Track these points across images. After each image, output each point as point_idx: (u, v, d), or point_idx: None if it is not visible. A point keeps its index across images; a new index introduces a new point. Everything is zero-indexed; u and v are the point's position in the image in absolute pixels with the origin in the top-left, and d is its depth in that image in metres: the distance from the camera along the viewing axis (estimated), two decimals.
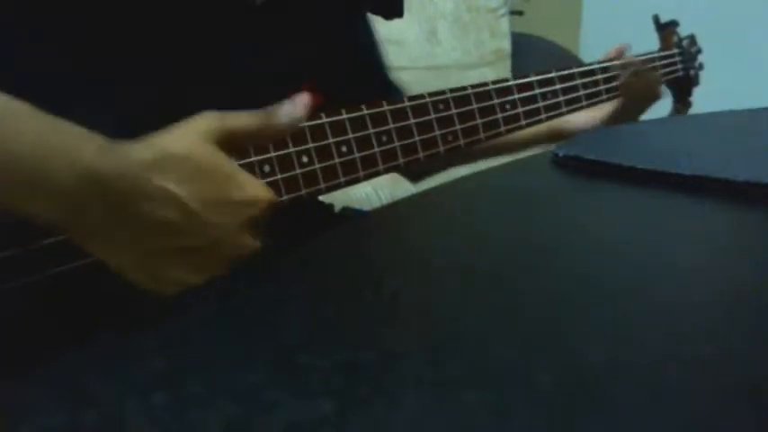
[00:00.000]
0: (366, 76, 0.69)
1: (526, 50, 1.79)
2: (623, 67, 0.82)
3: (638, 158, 0.49)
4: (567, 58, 1.66)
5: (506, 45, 1.81)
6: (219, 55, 0.52)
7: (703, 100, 0.96)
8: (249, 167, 0.47)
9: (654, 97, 0.84)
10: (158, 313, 0.33)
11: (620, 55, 0.84)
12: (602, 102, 0.80)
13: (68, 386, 0.24)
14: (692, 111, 0.80)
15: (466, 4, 1.76)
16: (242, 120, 0.44)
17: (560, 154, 0.54)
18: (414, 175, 0.94)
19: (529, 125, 0.69)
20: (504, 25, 1.83)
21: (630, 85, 0.81)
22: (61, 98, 0.44)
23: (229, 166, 0.41)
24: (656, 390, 0.22)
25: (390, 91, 0.73)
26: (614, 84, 0.81)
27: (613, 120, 0.83)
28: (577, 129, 0.83)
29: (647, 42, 0.94)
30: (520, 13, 2.24)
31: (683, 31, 0.98)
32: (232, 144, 0.42)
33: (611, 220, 0.43)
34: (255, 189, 0.41)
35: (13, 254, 0.40)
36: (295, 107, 0.46)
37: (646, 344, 0.25)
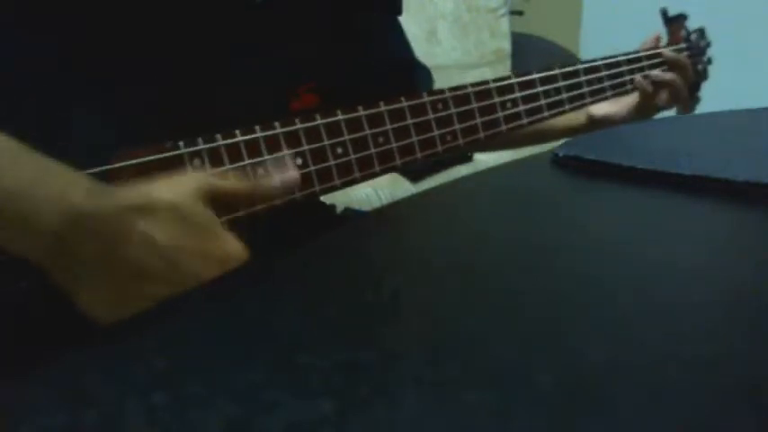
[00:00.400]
0: (359, 76, 0.69)
1: (526, 50, 1.80)
2: (670, 63, 0.82)
3: (638, 158, 0.49)
4: (567, 58, 1.66)
5: (506, 45, 1.82)
6: (219, 54, 0.52)
7: (703, 100, 0.96)
8: (242, 170, 0.47)
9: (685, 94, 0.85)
10: (158, 313, 0.33)
11: (656, 44, 0.84)
12: (606, 98, 0.79)
13: (68, 386, 0.24)
14: None
15: (466, 4, 1.76)
16: (232, 183, 0.45)
17: (560, 154, 0.54)
18: (414, 174, 0.93)
19: (531, 123, 0.69)
20: (504, 25, 1.83)
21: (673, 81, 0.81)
22: (61, 98, 0.44)
23: (212, 221, 0.42)
24: (656, 390, 0.22)
25: (415, 77, 0.73)
26: (619, 80, 0.80)
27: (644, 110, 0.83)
28: (609, 117, 0.83)
29: None
30: (520, 13, 2.24)
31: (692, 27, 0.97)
32: (220, 202, 0.43)
33: (611, 220, 0.43)
34: (234, 247, 0.42)
35: (11, 258, 0.40)
36: (286, 178, 0.47)
37: (646, 344, 0.25)
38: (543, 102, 0.70)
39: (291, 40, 0.57)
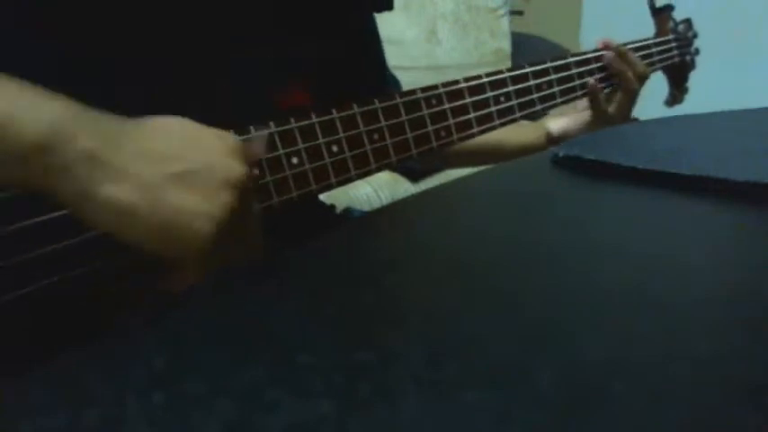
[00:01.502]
0: (366, 73, 0.69)
1: (526, 50, 1.80)
2: (619, 59, 0.81)
3: (638, 158, 0.49)
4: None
5: (506, 45, 1.82)
6: (219, 54, 0.52)
7: (703, 100, 0.96)
8: None
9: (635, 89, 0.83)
10: (158, 313, 0.33)
11: (608, 48, 0.83)
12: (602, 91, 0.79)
13: (68, 386, 0.24)
14: (692, 110, 0.80)
15: (466, 4, 1.76)
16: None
17: (560, 154, 0.54)
18: (414, 174, 0.93)
19: (524, 117, 0.68)
20: (504, 25, 1.83)
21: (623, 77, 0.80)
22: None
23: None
24: (656, 390, 0.22)
25: (387, 86, 0.73)
26: (606, 73, 0.80)
27: (598, 120, 0.82)
28: (568, 132, 0.82)
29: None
30: (520, 13, 2.24)
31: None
32: None
33: (611, 220, 0.43)
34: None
35: (12, 264, 0.40)
36: (254, 145, 0.47)
37: (645, 343, 0.25)
38: (536, 95, 0.70)
39: (282, 38, 0.57)
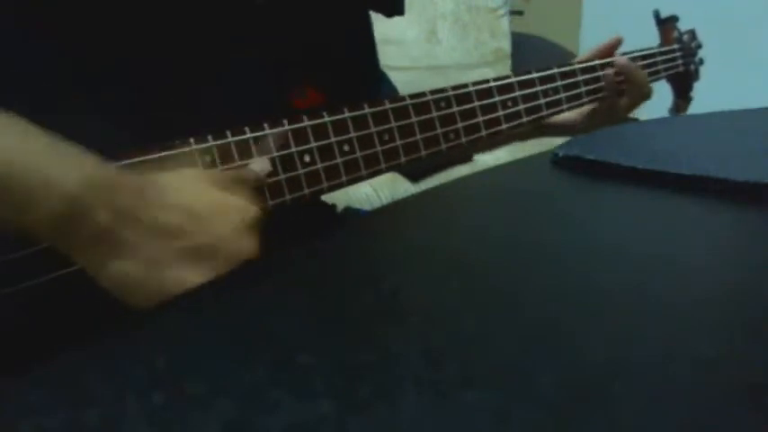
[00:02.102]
0: (363, 74, 0.69)
1: (526, 50, 1.80)
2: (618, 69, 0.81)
3: (638, 158, 0.49)
4: (567, 59, 1.66)
5: (506, 45, 1.82)
6: (222, 53, 0.52)
7: (703, 100, 0.96)
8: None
9: (639, 99, 0.84)
10: (158, 313, 0.33)
11: (612, 50, 0.83)
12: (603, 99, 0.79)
13: (68, 386, 0.24)
14: (692, 110, 0.80)
15: (466, 4, 1.76)
16: (225, 173, 0.46)
17: (560, 154, 0.54)
18: (414, 174, 0.93)
19: (530, 122, 0.69)
20: (504, 25, 1.83)
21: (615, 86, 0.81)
22: (60, 99, 0.44)
23: (217, 181, 0.43)
24: (656, 390, 0.22)
25: (381, 89, 0.73)
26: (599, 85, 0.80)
27: (597, 118, 0.82)
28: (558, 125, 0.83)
29: (646, 42, 0.94)
30: (520, 13, 2.24)
31: (684, 28, 0.98)
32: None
33: (611, 220, 0.43)
34: (247, 197, 0.43)
35: (13, 258, 0.40)
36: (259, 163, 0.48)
37: (646, 344, 0.25)
38: (542, 101, 0.71)
39: (293, 39, 0.57)
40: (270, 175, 0.48)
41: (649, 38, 0.97)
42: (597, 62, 0.80)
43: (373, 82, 0.72)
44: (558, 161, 0.54)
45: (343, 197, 0.77)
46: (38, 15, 0.45)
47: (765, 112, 0.74)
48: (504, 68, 1.78)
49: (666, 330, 0.27)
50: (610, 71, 0.80)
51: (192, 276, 0.39)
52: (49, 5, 0.45)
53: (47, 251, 0.41)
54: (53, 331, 0.42)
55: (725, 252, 0.37)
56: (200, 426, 0.21)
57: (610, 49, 0.83)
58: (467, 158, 1.38)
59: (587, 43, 2.36)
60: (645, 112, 0.88)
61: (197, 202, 0.40)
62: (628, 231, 0.40)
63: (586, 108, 0.82)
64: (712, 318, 0.28)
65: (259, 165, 0.48)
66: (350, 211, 0.79)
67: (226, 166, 0.47)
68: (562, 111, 0.74)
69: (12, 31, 0.45)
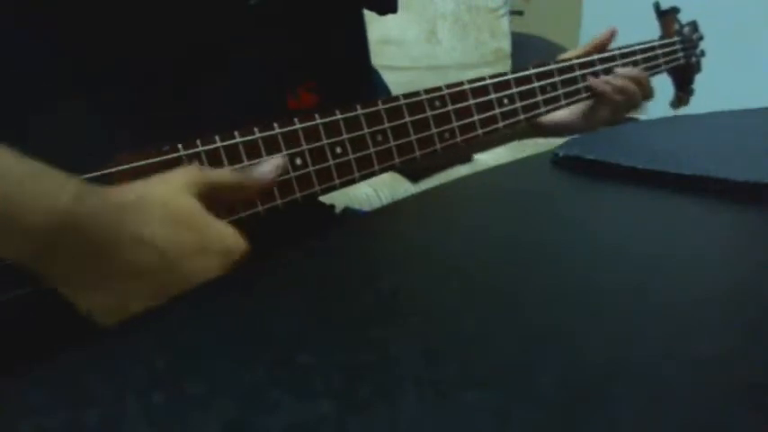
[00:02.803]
0: (357, 74, 0.69)
1: (526, 50, 1.80)
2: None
3: (638, 158, 0.49)
4: None
5: (506, 45, 1.82)
6: (216, 54, 0.52)
7: (703, 100, 0.96)
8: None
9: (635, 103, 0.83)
10: (158, 313, 0.33)
11: (607, 43, 0.82)
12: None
13: (68, 386, 0.24)
14: (692, 111, 0.80)
15: (466, 4, 1.76)
16: (224, 175, 0.45)
17: (560, 154, 0.54)
18: (414, 174, 0.93)
19: (527, 119, 0.68)
20: (504, 25, 1.83)
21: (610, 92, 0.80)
22: (60, 99, 0.44)
23: (206, 216, 0.41)
24: (656, 390, 0.22)
25: (374, 89, 0.73)
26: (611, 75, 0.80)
27: (594, 117, 0.81)
28: (553, 124, 0.82)
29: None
30: (520, 13, 2.25)
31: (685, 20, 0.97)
32: (213, 198, 0.42)
33: (611, 220, 0.43)
34: (232, 238, 0.42)
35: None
36: (273, 166, 0.47)
37: (646, 344, 0.25)
38: (540, 98, 0.70)
39: (289, 40, 0.57)
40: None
41: (649, 37, 0.97)
42: (596, 57, 0.79)
43: (367, 81, 0.72)
44: (558, 161, 0.54)
45: (342, 198, 0.77)
46: (38, 15, 0.45)
47: (765, 112, 0.74)
48: (504, 68, 1.77)
49: (666, 330, 0.27)
50: (597, 75, 0.79)
51: (166, 293, 0.38)
52: (49, 5, 0.45)
53: None
54: (53, 331, 0.42)
55: (725, 252, 0.37)
56: (200, 426, 0.21)
57: (604, 44, 0.82)
58: (466, 159, 1.38)
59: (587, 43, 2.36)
60: (646, 106, 0.88)
61: (174, 240, 0.39)
62: (628, 231, 0.40)
63: (581, 107, 0.81)
64: (712, 318, 0.28)
65: (267, 166, 0.47)
66: (349, 212, 0.79)
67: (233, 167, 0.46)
68: (560, 107, 0.73)
69: (12, 31, 0.45)
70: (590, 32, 2.43)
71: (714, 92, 0.99)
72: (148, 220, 0.39)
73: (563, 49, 1.71)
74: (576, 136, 0.71)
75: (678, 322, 0.27)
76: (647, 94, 0.82)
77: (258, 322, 0.29)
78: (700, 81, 0.99)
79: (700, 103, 0.95)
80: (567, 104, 0.74)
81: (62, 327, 0.43)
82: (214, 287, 0.37)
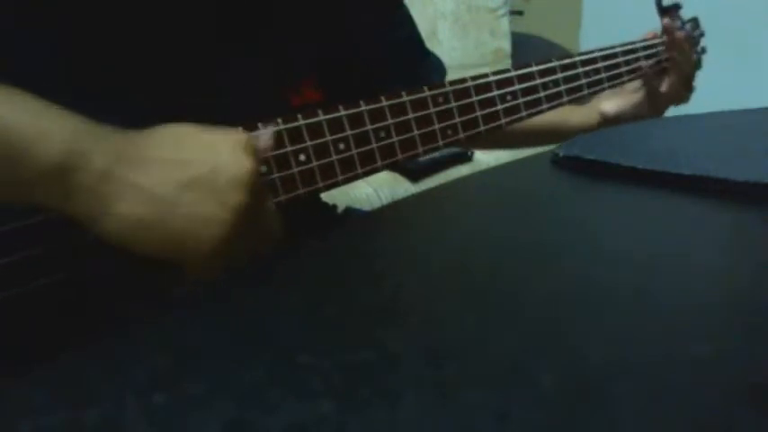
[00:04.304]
0: (360, 71, 0.69)
1: (526, 50, 1.80)
2: (670, 45, 0.82)
3: (638, 158, 0.49)
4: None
5: (506, 45, 1.82)
6: (219, 51, 0.52)
7: (703, 100, 0.95)
8: None
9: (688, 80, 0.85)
10: (158, 313, 0.33)
11: (655, 36, 0.84)
12: (603, 90, 0.79)
13: (68, 386, 0.24)
14: (692, 111, 0.80)
15: (466, 4, 1.76)
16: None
17: (560, 154, 0.54)
18: (414, 174, 0.93)
19: (530, 116, 0.68)
20: (504, 25, 1.83)
21: (677, 64, 0.81)
22: (60, 99, 0.44)
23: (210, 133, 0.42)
24: (656, 390, 0.22)
25: (418, 73, 0.73)
26: (615, 72, 0.80)
27: (646, 106, 0.83)
28: (622, 113, 0.84)
29: None
30: (520, 13, 2.24)
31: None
32: None
33: (611, 220, 0.43)
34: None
35: (15, 260, 0.40)
36: (261, 138, 0.47)
37: (646, 344, 0.25)
38: (542, 94, 0.70)
39: (292, 36, 0.57)
40: (264, 174, 0.47)
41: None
42: (598, 54, 0.79)
43: (404, 75, 0.71)
44: (558, 161, 0.54)
45: (343, 197, 0.77)
46: (38, 15, 0.45)
47: (765, 112, 0.74)
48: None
49: (666, 330, 0.27)
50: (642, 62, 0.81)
51: (201, 209, 0.38)
52: (49, 5, 0.45)
53: (49, 253, 0.41)
54: (53, 331, 0.42)
55: (724, 252, 0.37)
56: (200, 426, 0.21)
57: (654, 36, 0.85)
58: (466, 158, 1.38)
59: (587, 43, 2.36)
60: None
61: (188, 137, 0.40)
62: (628, 231, 0.40)
63: (635, 96, 0.83)
64: (712, 318, 0.28)
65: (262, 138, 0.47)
66: (350, 212, 0.79)
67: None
68: (563, 104, 0.73)
69: (12, 31, 0.45)
70: (590, 32, 2.43)
71: (714, 92, 0.99)
72: (163, 130, 0.40)
73: (563, 50, 1.71)
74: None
75: (678, 322, 0.27)
76: (688, 56, 0.84)
77: (258, 322, 0.29)
78: (700, 81, 0.98)
79: (700, 103, 0.95)
80: (569, 101, 0.74)
81: (62, 327, 0.43)
82: (214, 287, 0.37)
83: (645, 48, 0.85)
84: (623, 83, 0.80)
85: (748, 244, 0.38)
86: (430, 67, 0.76)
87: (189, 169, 0.38)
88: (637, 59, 0.83)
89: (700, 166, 0.47)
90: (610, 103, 0.85)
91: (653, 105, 0.84)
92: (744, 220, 0.42)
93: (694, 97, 0.99)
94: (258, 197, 0.40)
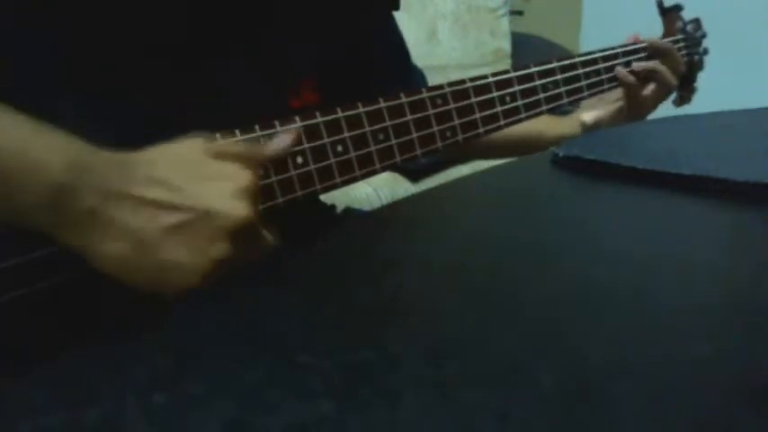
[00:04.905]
0: (358, 73, 0.69)
1: (526, 50, 1.80)
2: (653, 51, 0.82)
3: (638, 158, 0.49)
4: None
5: (506, 45, 1.82)
6: (218, 53, 0.52)
7: (704, 100, 0.95)
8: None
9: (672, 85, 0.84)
10: (158, 313, 0.33)
11: (637, 41, 0.84)
12: (603, 91, 0.79)
13: (68, 386, 0.24)
14: (692, 111, 0.80)
15: (466, 4, 1.76)
16: (229, 142, 0.45)
17: (560, 154, 0.54)
18: (414, 174, 0.93)
19: (528, 117, 0.68)
20: (504, 25, 1.83)
21: (659, 72, 0.81)
22: (60, 99, 0.44)
23: (212, 153, 0.41)
24: (656, 390, 0.22)
25: (409, 80, 0.73)
26: (596, 79, 0.80)
27: (626, 114, 0.83)
28: (600, 121, 0.84)
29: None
30: (520, 13, 2.24)
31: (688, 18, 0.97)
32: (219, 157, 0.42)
33: (611, 220, 0.43)
34: (239, 164, 0.42)
35: (13, 264, 0.40)
36: (281, 140, 0.47)
37: (646, 344, 0.25)
38: (542, 95, 0.70)
39: (292, 36, 0.57)
40: (262, 177, 0.47)
41: (651, 37, 0.97)
42: (599, 55, 0.79)
43: (398, 80, 0.71)
44: (558, 161, 0.54)
45: (343, 197, 0.77)
46: (38, 15, 0.45)
47: (765, 112, 0.74)
48: (505, 68, 1.78)
49: (666, 330, 0.27)
50: (621, 67, 0.80)
51: (186, 255, 0.38)
52: (49, 5, 0.45)
53: (48, 256, 0.41)
54: (54, 331, 0.42)
55: (724, 252, 0.37)
56: (200, 426, 0.21)
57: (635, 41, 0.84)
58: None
59: (587, 43, 2.36)
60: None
61: (184, 174, 0.40)
62: (628, 231, 0.40)
63: (617, 104, 0.83)
64: (712, 318, 0.28)
65: (273, 147, 0.47)
66: (350, 212, 0.79)
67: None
68: (562, 105, 0.73)
69: (12, 30, 0.45)
70: (590, 32, 2.43)
71: (714, 92, 0.99)
72: (158, 162, 0.40)
73: (563, 49, 1.71)
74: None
75: (678, 322, 0.27)
76: (677, 65, 0.83)
77: (258, 322, 0.29)
78: (700, 81, 0.99)
79: (700, 103, 0.95)
80: (569, 103, 0.74)
81: (62, 326, 0.43)
82: (214, 287, 0.37)
83: (625, 54, 0.84)
84: (603, 91, 0.80)
85: (748, 244, 0.38)
86: (417, 75, 0.76)
87: (176, 214, 0.38)
88: (638, 60, 0.83)
89: (700, 166, 0.47)
90: (589, 114, 0.85)
91: (634, 113, 0.83)
92: (744, 220, 0.42)
93: (694, 97, 0.99)
94: (246, 238, 0.41)
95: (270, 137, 0.48)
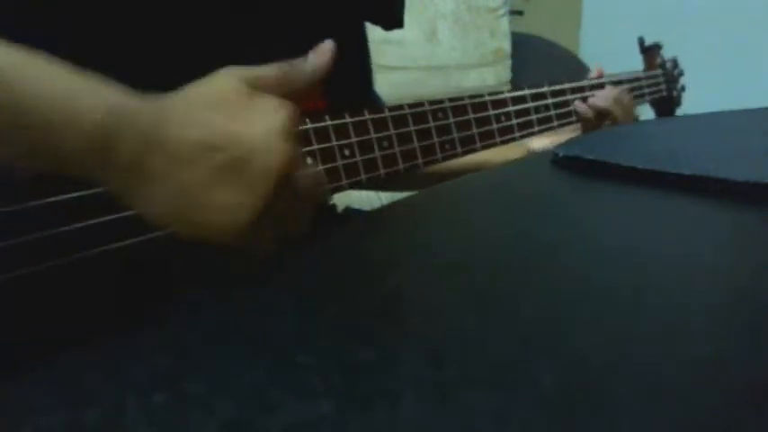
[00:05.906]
0: (361, 82, 0.69)
1: (526, 50, 1.80)
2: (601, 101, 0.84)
3: (638, 158, 0.49)
4: (567, 58, 1.66)
5: (506, 45, 1.82)
6: (222, 58, 0.52)
7: (703, 100, 0.96)
8: None
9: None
10: (159, 313, 0.33)
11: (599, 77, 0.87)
12: (571, 123, 0.83)
13: (68, 386, 0.24)
14: (692, 110, 0.80)
15: (466, 4, 1.76)
16: (266, 69, 0.44)
17: (560, 154, 0.54)
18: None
19: (522, 137, 0.71)
20: (504, 25, 1.83)
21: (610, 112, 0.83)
22: None
23: (250, 88, 0.40)
24: (656, 390, 0.22)
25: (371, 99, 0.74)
26: (563, 110, 0.83)
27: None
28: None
29: (646, 41, 0.94)
30: (520, 13, 2.25)
31: (683, 30, 0.99)
32: (257, 88, 0.41)
33: (611, 220, 0.43)
34: (278, 96, 0.41)
35: (12, 244, 0.40)
36: (318, 56, 0.45)
37: (646, 344, 0.25)
38: (534, 117, 0.73)
39: (301, 39, 0.57)
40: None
41: (649, 37, 0.98)
42: (587, 83, 0.83)
43: (369, 90, 0.72)
44: (558, 161, 0.54)
45: (343, 198, 0.77)
46: (38, 15, 0.45)
47: (765, 112, 0.74)
48: (504, 68, 1.78)
49: (666, 330, 0.27)
50: (579, 102, 0.83)
51: (231, 196, 0.37)
52: (49, 5, 0.45)
53: (47, 239, 0.41)
54: (53, 331, 0.42)
55: (725, 252, 0.37)
56: (200, 426, 0.21)
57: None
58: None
59: (587, 43, 2.36)
60: (646, 107, 0.89)
61: (224, 112, 0.39)
62: (627, 231, 0.40)
63: (564, 137, 0.85)
64: (712, 318, 0.28)
65: (311, 63, 0.45)
66: (350, 212, 0.79)
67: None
68: (552, 128, 0.76)
69: (12, 31, 0.45)
70: (590, 32, 2.43)
71: (714, 92, 0.99)
72: (197, 102, 0.39)
73: (563, 49, 1.71)
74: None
75: (678, 322, 0.27)
76: (629, 114, 0.86)
77: (258, 322, 0.29)
78: (700, 81, 0.99)
79: (700, 103, 0.95)
80: (559, 126, 0.78)
81: (62, 326, 0.43)
82: (214, 287, 0.37)
83: (591, 87, 0.86)
84: (571, 123, 0.82)
85: (748, 244, 0.38)
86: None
87: (221, 154, 0.37)
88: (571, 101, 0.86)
89: (700, 166, 0.47)
90: (539, 141, 0.87)
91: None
92: (744, 220, 0.42)
93: (694, 97, 1.00)
94: (290, 186, 0.40)
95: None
